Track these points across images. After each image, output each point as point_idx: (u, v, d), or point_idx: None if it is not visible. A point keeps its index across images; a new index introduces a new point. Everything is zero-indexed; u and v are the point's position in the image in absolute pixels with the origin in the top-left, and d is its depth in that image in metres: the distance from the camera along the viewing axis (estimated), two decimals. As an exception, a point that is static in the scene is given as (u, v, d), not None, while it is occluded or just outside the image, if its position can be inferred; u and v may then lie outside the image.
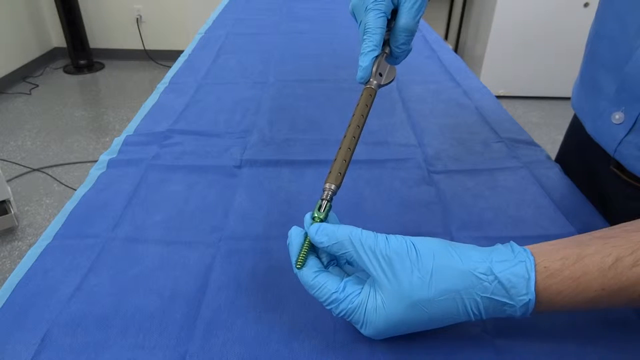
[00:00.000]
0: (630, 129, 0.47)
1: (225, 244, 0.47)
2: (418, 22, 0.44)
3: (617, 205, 0.54)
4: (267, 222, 0.51)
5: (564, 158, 0.67)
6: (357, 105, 0.42)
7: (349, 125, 0.40)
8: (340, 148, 0.39)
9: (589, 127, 0.55)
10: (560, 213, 0.52)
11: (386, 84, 0.44)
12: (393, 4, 0.43)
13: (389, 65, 0.45)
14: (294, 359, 0.36)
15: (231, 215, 0.51)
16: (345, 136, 0.40)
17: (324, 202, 0.37)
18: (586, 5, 2.49)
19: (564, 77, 2.67)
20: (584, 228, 0.50)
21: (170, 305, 0.40)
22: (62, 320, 0.38)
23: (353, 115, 0.41)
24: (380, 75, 0.44)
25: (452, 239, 0.48)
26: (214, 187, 0.56)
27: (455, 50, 3.28)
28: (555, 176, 0.60)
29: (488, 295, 0.32)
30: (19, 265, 0.44)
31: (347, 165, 0.38)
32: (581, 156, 0.61)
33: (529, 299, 0.31)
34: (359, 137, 0.40)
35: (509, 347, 0.36)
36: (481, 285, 0.32)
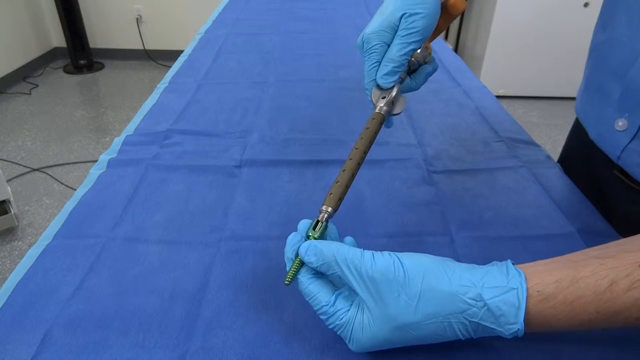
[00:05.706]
0: (634, 136, 0.46)
1: (225, 244, 0.47)
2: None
3: (619, 209, 0.54)
4: (267, 222, 0.51)
5: (566, 161, 0.67)
6: (364, 129, 0.42)
7: (353, 149, 0.41)
8: (342, 170, 0.39)
9: (592, 134, 0.54)
10: (560, 213, 0.52)
11: (394, 115, 0.44)
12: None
13: (401, 96, 0.45)
14: (294, 359, 0.36)
15: (231, 215, 0.51)
16: (348, 159, 0.40)
17: (320, 224, 0.37)
18: (586, 5, 2.49)
19: (563, 77, 2.67)
20: (584, 228, 0.50)
21: (170, 305, 0.40)
22: (62, 320, 0.38)
23: (359, 139, 0.41)
24: (393, 103, 0.44)
25: (452, 239, 0.48)
26: (214, 187, 0.56)
27: (455, 50, 3.28)
28: (555, 176, 0.60)
29: (476, 321, 0.31)
30: (19, 265, 0.44)
31: (346, 189, 0.39)
32: (584, 159, 0.61)
33: (517, 329, 0.31)
34: (362, 161, 0.40)
35: (509, 348, 0.37)
36: (470, 311, 0.31)
